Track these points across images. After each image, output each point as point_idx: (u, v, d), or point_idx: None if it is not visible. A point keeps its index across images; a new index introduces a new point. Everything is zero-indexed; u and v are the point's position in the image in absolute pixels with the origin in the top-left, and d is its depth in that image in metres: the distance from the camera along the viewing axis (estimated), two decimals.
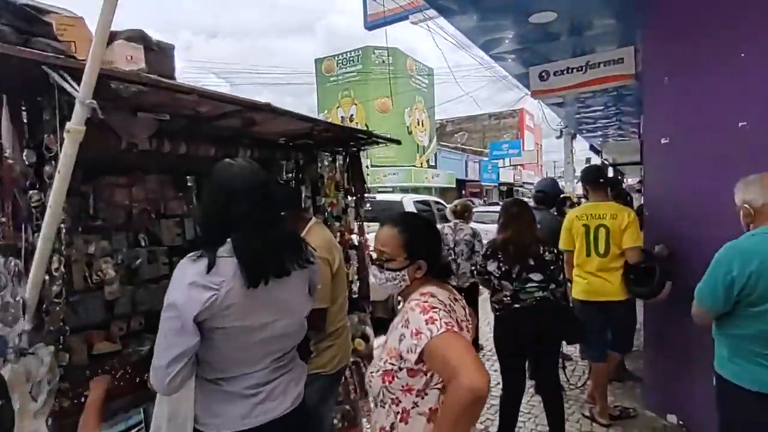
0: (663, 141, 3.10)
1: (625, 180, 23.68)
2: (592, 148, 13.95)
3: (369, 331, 3.12)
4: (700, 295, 1.82)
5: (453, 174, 29.24)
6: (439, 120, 35.47)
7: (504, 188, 35.44)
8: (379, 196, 7.29)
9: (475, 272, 2.90)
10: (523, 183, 37.60)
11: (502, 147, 32.65)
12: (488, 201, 26.90)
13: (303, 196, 3.02)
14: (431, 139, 29.55)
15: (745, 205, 1.78)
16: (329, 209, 2.93)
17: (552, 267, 2.60)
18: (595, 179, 3.13)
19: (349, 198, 3.04)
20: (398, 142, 3.11)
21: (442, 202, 8.13)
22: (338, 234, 2.92)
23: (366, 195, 3.06)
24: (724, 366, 1.82)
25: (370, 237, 1.92)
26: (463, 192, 30.27)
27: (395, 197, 7.03)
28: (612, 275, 2.96)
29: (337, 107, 27.68)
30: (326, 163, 2.96)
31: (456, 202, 4.69)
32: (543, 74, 4.10)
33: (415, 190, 24.44)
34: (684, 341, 2.87)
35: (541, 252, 2.60)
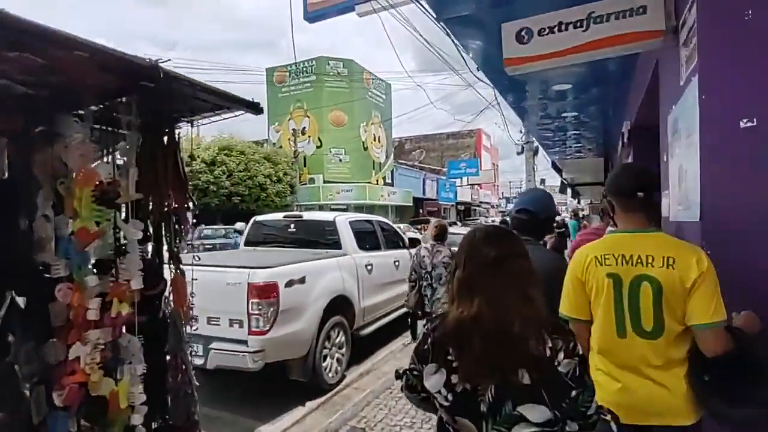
0: (744, 123, 1.76)
1: (579, 202, 23.01)
2: (553, 165, 12.99)
3: None
4: None
5: (410, 192, 28.31)
6: (397, 138, 34.79)
7: (461, 207, 35.13)
8: (306, 215, 5.69)
9: (402, 386, 1.35)
10: (480, 202, 37.60)
11: (460, 166, 32.41)
12: (447, 220, 26.19)
13: (38, 214, 1.39)
14: (388, 156, 28.54)
15: None
16: (78, 248, 1.29)
17: (574, 389, 1.10)
18: (631, 191, 1.67)
19: (137, 222, 1.41)
20: (258, 109, 1.55)
21: (389, 222, 6.61)
22: (92, 304, 1.28)
23: (190, 212, 1.46)
24: None
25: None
26: (420, 211, 29.48)
27: (326, 216, 5.42)
28: (670, 375, 1.51)
29: (289, 119, 26.38)
30: (81, 142, 1.35)
31: (434, 222, 4.40)
32: (523, 33, 2.68)
33: (371, 207, 23.07)
34: None
35: (549, 352, 1.10)
